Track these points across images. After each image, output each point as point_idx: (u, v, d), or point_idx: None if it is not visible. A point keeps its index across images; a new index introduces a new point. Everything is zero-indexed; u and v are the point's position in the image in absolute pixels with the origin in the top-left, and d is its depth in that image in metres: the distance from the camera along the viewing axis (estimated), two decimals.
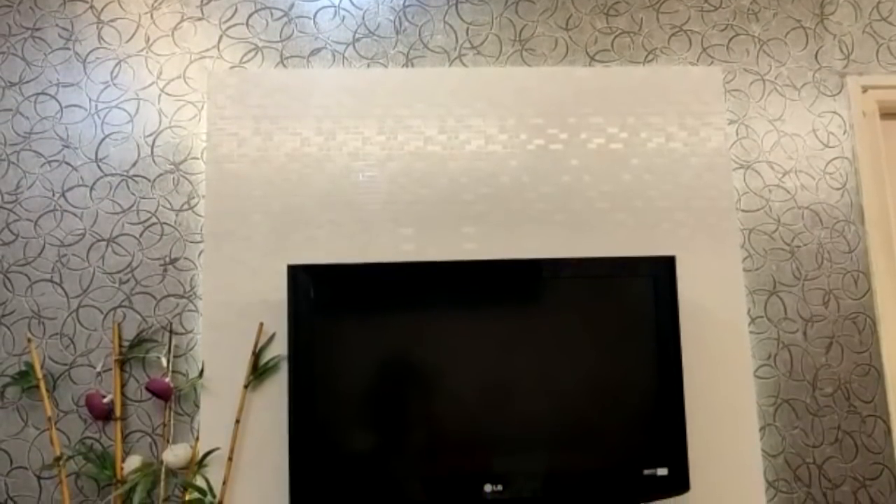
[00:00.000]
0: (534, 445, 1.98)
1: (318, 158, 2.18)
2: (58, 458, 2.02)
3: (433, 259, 2.13)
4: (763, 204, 2.27)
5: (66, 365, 2.11)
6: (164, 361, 2.10)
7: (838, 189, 2.29)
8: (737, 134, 2.30)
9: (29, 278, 2.14)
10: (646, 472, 1.96)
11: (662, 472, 1.97)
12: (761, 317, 2.22)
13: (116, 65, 2.25)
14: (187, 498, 2.00)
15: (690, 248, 2.17)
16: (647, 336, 2.02)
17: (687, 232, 2.19)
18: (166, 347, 2.12)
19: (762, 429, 2.16)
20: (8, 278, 2.14)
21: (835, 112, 2.33)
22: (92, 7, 2.28)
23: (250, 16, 2.29)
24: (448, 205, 2.17)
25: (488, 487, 1.93)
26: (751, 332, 2.20)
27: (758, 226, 2.26)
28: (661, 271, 2.03)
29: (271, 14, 2.30)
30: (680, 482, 1.98)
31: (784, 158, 2.30)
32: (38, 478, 2.06)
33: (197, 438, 2.06)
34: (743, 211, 2.26)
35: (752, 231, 2.26)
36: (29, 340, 2.10)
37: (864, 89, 2.34)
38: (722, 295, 2.17)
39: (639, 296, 2.04)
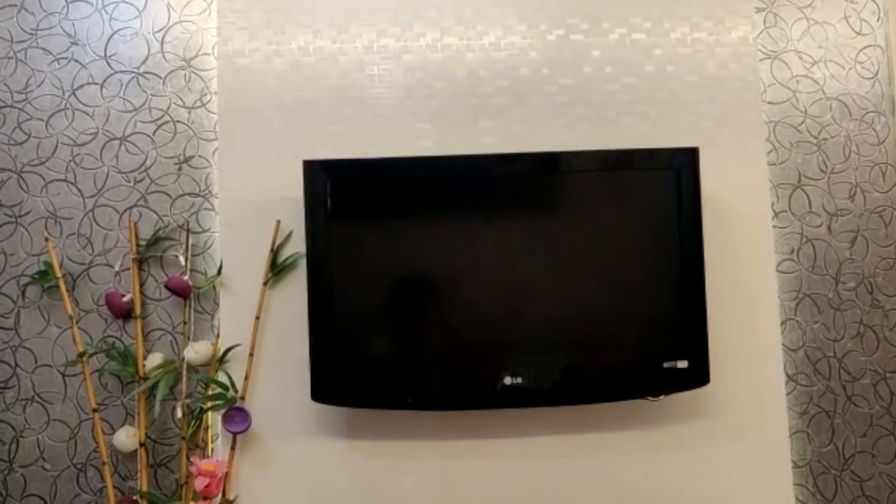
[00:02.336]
0: (553, 340, 1.98)
1: (331, 52, 2.12)
2: (81, 354, 2.04)
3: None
4: (790, 95, 2.21)
5: (84, 265, 2.11)
6: (181, 260, 2.10)
7: (869, 79, 2.21)
8: (764, 23, 2.22)
9: (43, 178, 2.12)
10: (666, 364, 1.96)
11: (682, 364, 1.97)
12: (785, 211, 2.18)
13: None
14: (209, 393, 2.02)
15: (714, 142, 2.12)
16: (668, 230, 1.99)
17: (711, 125, 2.13)
18: (183, 246, 2.11)
19: (783, 323, 2.15)
20: (22, 178, 2.12)
21: None
22: None
23: None
24: (465, 98, 2.12)
25: (507, 380, 1.94)
26: (774, 227, 2.16)
27: (784, 118, 2.20)
28: (683, 163, 1.99)
29: None
30: (700, 375, 1.98)
31: (813, 48, 2.22)
32: (63, 375, 2.08)
33: (217, 336, 2.07)
34: (769, 103, 2.20)
35: (777, 123, 2.19)
36: (46, 240, 2.09)
37: None
38: (745, 189, 2.12)
39: (661, 189, 2.00)
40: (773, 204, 2.17)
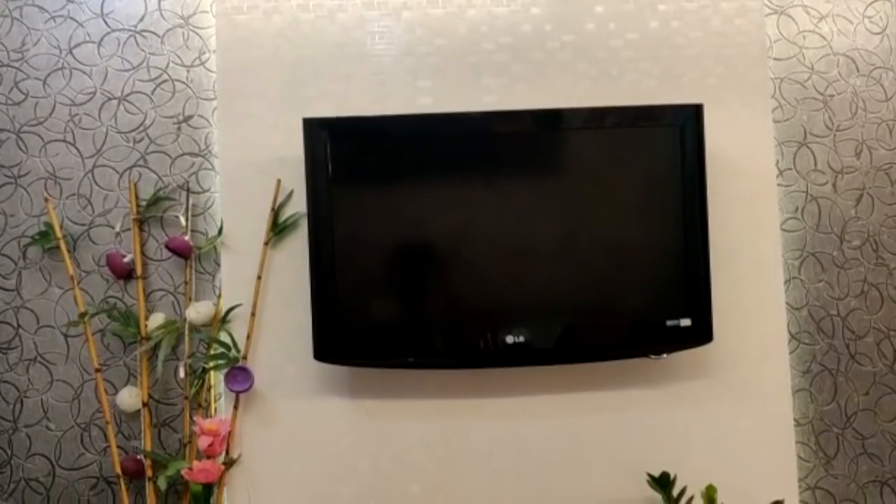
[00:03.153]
0: (556, 299, 1.98)
1: (330, 8, 2.08)
2: (82, 315, 2.03)
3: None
4: (796, 51, 2.17)
5: (84, 225, 2.10)
6: (182, 220, 2.09)
7: (877, 34, 2.18)
8: None
9: (42, 138, 2.11)
10: (669, 322, 1.96)
11: (685, 322, 1.96)
12: (790, 169, 2.16)
13: None
14: (212, 353, 2.02)
15: (719, 99, 2.09)
16: (672, 188, 1.98)
17: (715, 81, 2.10)
18: (184, 206, 2.10)
19: (787, 282, 2.14)
20: (21, 138, 2.11)
21: None
22: None
23: None
24: (467, 56, 2.09)
25: (509, 339, 1.94)
26: (778, 185, 2.14)
27: (790, 74, 2.16)
28: (687, 120, 1.96)
29: None
30: (703, 333, 1.97)
31: (821, 2, 2.18)
32: (65, 336, 2.08)
33: (219, 296, 2.07)
34: (774, 59, 2.16)
35: (783, 80, 2.16)
36: (46, 200, 2.08)
37: None
38: (750, 146, 2.10)
39: (664, 147, 1.98)
40: (777, 162, 2.15)
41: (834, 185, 2.16)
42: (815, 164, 2.16)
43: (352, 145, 1.96)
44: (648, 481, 1.96)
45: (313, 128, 1.94)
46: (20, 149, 2.11)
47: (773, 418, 2.08)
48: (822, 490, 2.13)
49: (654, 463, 1.99)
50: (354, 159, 1.97)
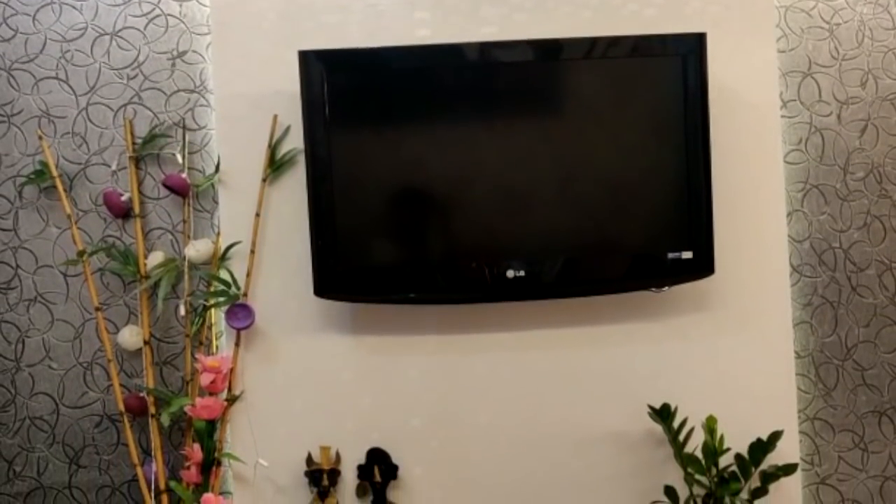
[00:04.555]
0: (558, 230, 1.96)
1: None
2: (81, 253, 2.02)
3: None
4: None
5: (80, 164, 2.08)
6: (179, 158, 2.06)
7: None
8: None
9: (34, 76, 2.07)
10: (670, 255, 1.95)
11: (687, 255, 1.95)
12: (794, 100, 2.13)
13: None
14: (212, 290, 2.01)
15: (722, 28, 2.04)
16: (674, 120, 1.95)
17: (718, 10, 2.06)
18: (180, 144, 2.07)
19: (789, 214, 2.12)
20: (12, 76, 2.07)
21: None
22: None
23: None
24: None
25: (510, 273, 1.93)
26: (782, 117, 2.11)
27: (795, 2, 2.11)
28: (690, 49, 1.93)
29: None
30: (705, 266, 1.96)
31: None
32: (65, 276, 2.08)
33: (218, 234, 2.06)
34: None
35: (788, 9, 2.12)
36: (40, 139, 2.06)
37: None
38: (753, 77, 2.06)
39: (666, 77, 1.95)
40: (781, 93, 2.11)
41: (838, 116, 2.13)
42: (820, 95, 2.13)
43: (349, 78, 1.93)
44: (649, 413, 1.97)
45: (309, 60, 1.91)
46: (12, 87, 2.07)
47: (774, 351, 2.09)
48: (820, 421, 2.14)
49: (654, 395, 1.99)
50: (352, 92, 1.93)
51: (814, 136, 2.13)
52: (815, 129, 2.13)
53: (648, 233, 1.97)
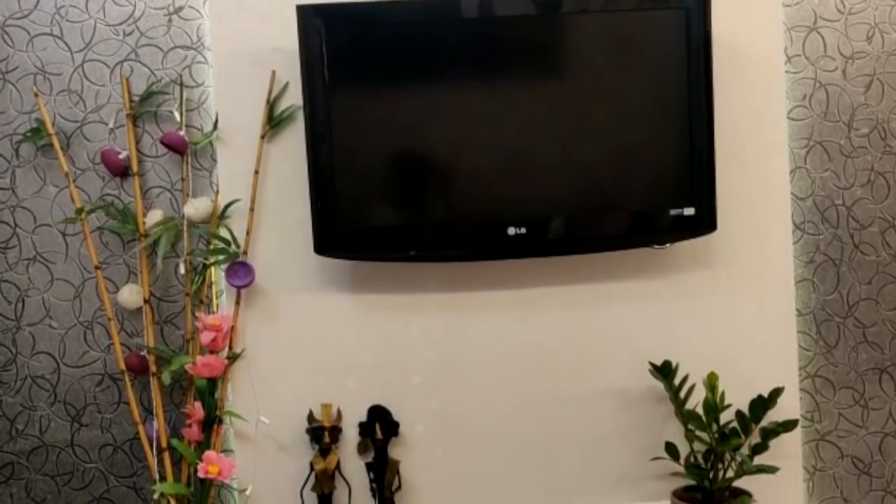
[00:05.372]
0: (559, 187, 1.95)
1: None
2: (79, 211, 2.01)
3: None
4: None
5: (77, 122, 2.06)
6: (176, 115, 2.04)
7: None
8: None
9: (28, 32, 2.04)
10: (672, 212, 1.94)
11: (689, 212, 1.94)
12: (798, 55, 2.10)
13: None
14: (212, 248, 2.00)
15: None
16: (677, 74, 1.93)
17: None
18: (178, 101, 2.05)
19: (792, 171, 2.10)
20: (6, 32, 2.04)
21: None
22: None
23: None
24: None
25: (511, 230, 1.92)
26: (786, 72, 2.09)
27: None
28: (694, 3, 1.90)
29: None
30: (707, 222, 1.95)
31: None
32: (63, 235, 2.07)
33: (217, 191, 2.04)
34: None
35: None
36: (36, 96, 2.03)
37: None
38: (758, 31, 2.04)
39: (669, 30, 1.92)
40: (786, 48, 2.09)
41: (843, 72, 2.11)
42: (825, 50, 2.11)
43: (348, 33, 1.90)
44: (650, 370, 1.97)
45: (307, 15, 1.88)
46: (6, 43, 2.04)
47: (776, 308, 2.08)
48: (821, 378, 2.14)
49: (656, 352, 1.99)
50: (351, 48, 1.91)
51: (818, 92, 2.11)
52: (819, 85, 2.11)
53: (650, 189, 1.96)
